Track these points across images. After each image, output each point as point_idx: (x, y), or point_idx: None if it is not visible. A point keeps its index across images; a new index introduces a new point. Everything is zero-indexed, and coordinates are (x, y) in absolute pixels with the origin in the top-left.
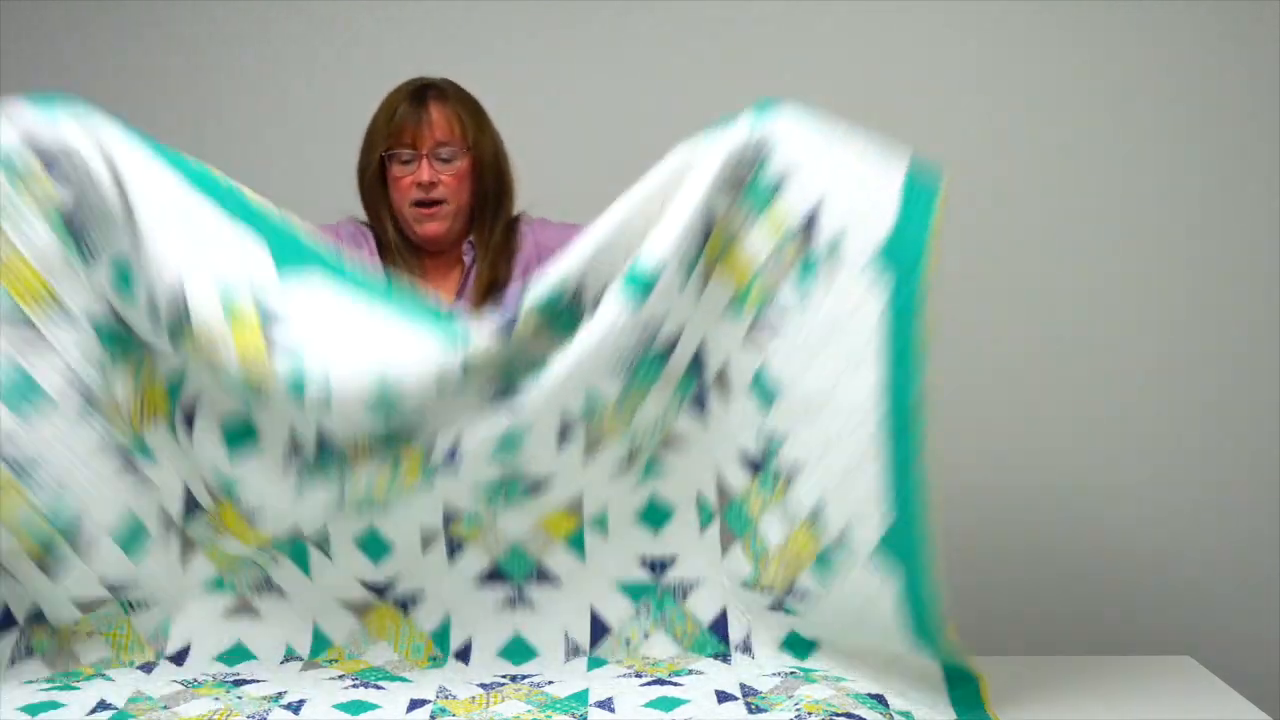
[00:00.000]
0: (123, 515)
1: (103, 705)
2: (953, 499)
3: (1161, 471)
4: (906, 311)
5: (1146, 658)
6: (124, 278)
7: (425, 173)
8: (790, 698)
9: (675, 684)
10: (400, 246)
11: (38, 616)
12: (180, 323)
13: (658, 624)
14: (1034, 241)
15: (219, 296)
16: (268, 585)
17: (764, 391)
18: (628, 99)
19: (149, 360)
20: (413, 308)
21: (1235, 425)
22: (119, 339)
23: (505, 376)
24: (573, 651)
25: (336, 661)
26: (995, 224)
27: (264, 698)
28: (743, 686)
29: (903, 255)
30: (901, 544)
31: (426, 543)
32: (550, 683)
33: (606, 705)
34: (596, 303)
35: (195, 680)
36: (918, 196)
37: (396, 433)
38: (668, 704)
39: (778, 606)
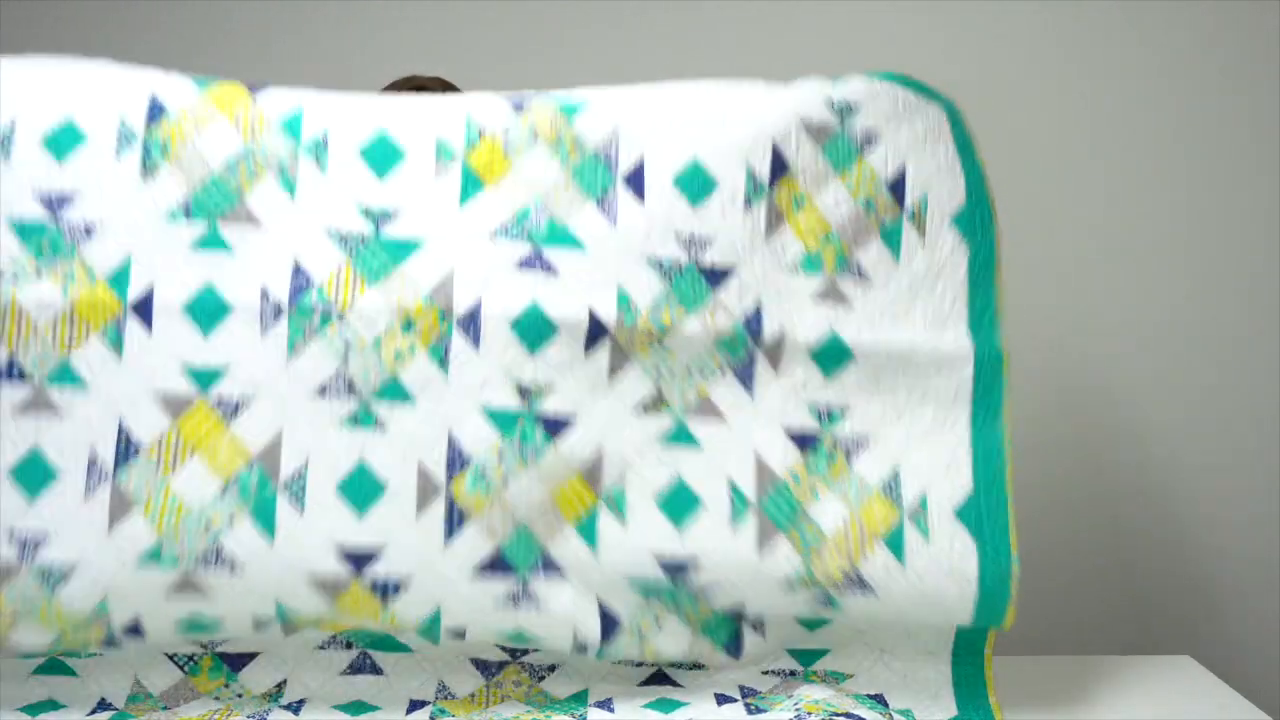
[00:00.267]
0: (24, 456)
1: (103, 705)
2: None
3: (1161, 471)
4: (987, 271)
5: (1146, 658)
6: (63, 134)
7: None
8: (790, 697)
9: (676, 684)
10: None
11: None
12: (155, 118)
13: (669, 609)
14: (1034, 242)
15: (191, 82)
16: (218, 558)
17: (831, 357)
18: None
19: (80, 259)
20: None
21: (1235, 425)
22: (39, 238)
23: (522, 220)
24: (580, 649)
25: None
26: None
27: (264, 695)
28: (741, 688)
29: (976, 221)
30: (983, 509)
31: (424, 498)
32: (552, 669)
33: (606, 705)
34: (630, 176)
35: (193, 660)
36: (974, 168)
37: (410, 277)
38: (667, 705)
39: (826, 602)
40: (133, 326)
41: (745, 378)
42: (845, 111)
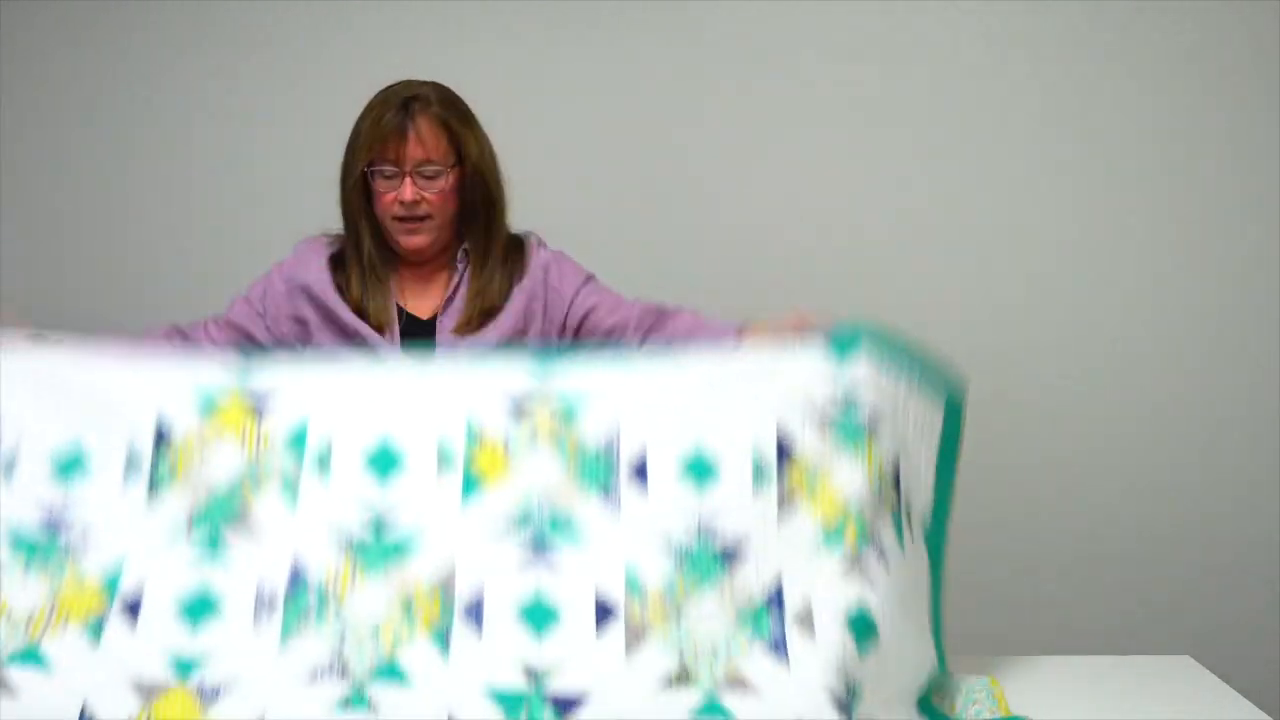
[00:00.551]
0: None
1: None
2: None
3: (1161, 472)
4: (938, 591)
5: (1146, 658)
6: (70, 458)
7: (408, 191)
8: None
9: None
10: (375, 260)
11: None
12: (162, 442)
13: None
14: (1033, 243)
15: (197, 401)
16: None
17: (863, 629)
18: (627, 100)
19: (73, 564)
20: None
21: (1235, 425)
22: (37, 546)
23: (524, 517)
24: None
25: None
26: (995, 223)
27: None
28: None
29: (938, 536)
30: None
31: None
32: None
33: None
34: (635, 468)
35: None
36: (948, 475)
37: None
38: None
39: None
40: (116, 622)
41: (780, 645)
42: (850, 397)
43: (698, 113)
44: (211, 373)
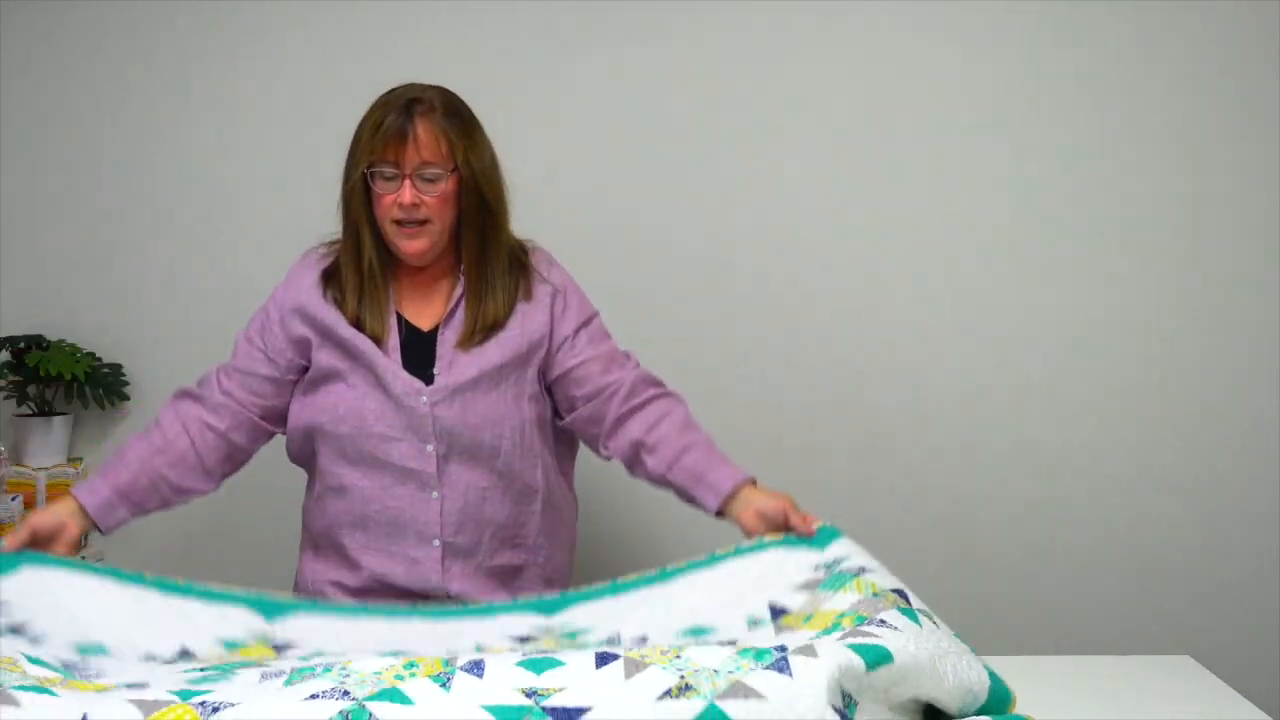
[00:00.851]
0: None
1: None
2: (953, 499)
3: (1161, 472)
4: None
5: (1146, 658)
6: (92, 646)
7: (407, 194)
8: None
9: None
10: (375, 267)
11: None
12: (183, 657)
13: None
14: (1034, 242)
15: (222, 643)
16: None
17: (874, 656)
18: (627, 103)
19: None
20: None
21: (1235, 425)
22: (62, 670)
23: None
24: None
25: None
26: (995, 223)
27: None
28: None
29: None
30: None
31: None
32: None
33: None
34: (638, 639)
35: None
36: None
37: None
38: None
39: None
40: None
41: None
42: (835, 562)
43: (703, 120)
44: (234, 629)
